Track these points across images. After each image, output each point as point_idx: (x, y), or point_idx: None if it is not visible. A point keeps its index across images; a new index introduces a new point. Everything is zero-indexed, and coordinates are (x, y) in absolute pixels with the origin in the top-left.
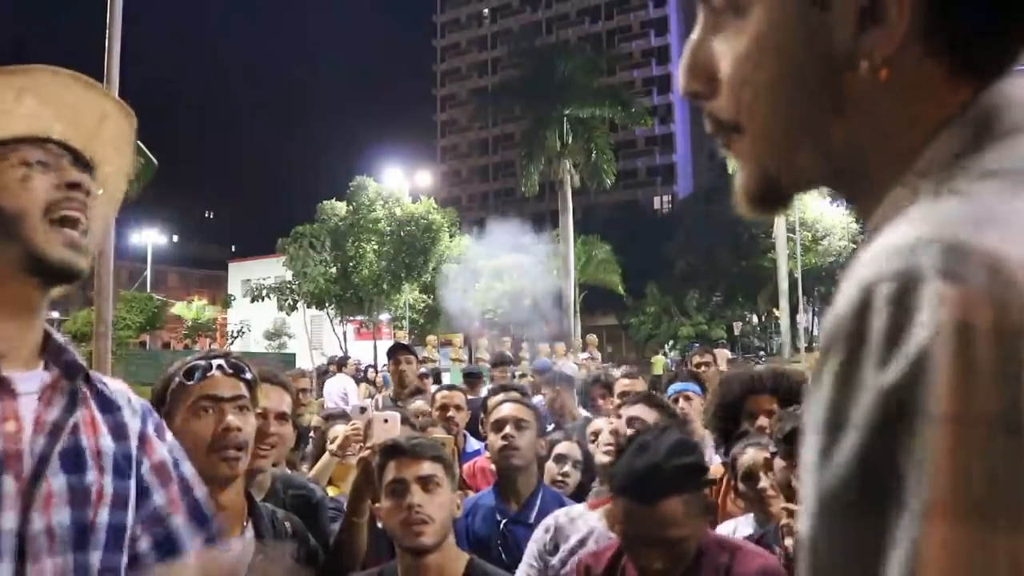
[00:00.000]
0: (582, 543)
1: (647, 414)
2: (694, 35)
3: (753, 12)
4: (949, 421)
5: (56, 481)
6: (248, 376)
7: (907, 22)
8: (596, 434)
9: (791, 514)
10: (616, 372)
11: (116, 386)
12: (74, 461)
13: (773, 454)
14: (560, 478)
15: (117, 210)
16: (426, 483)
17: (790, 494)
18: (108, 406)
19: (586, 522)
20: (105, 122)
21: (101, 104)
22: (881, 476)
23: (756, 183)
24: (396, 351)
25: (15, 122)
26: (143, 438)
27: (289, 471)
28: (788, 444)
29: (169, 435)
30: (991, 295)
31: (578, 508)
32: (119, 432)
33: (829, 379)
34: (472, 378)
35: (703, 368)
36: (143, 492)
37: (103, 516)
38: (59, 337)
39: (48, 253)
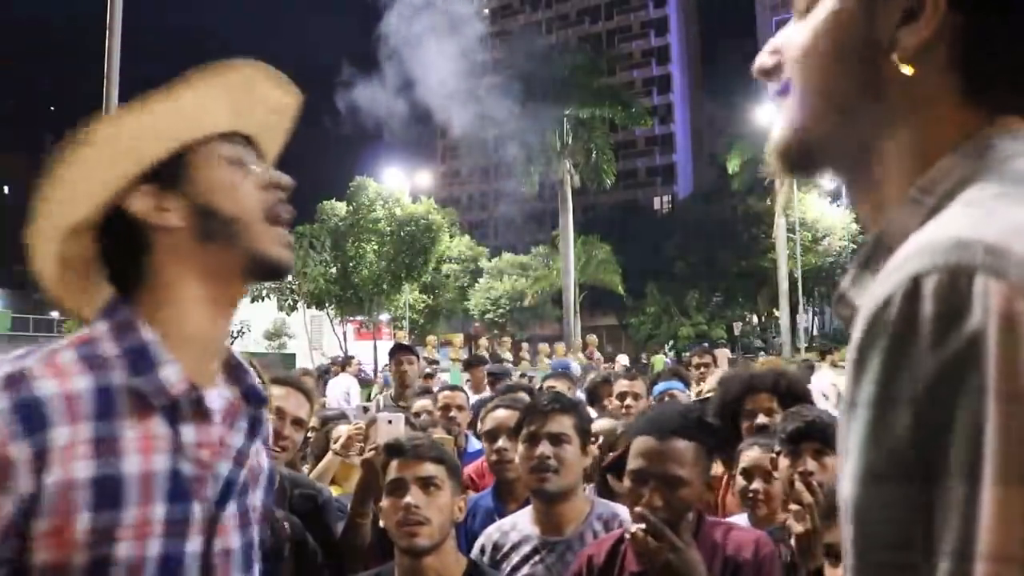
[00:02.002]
0: (515, 548)
1: None
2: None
3: (823, 3)
4: (1004, 395)
5: (231, 505)
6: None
7: (938, 21)
8: (595, 436)
9: (797, 516)
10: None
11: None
12: (245, 486)
13: (777, 452)
14: None
15: None
16: (425, 484)
17: (792, 493)
18: (266, 422)
19: (519, 531)
20: (280, 115)
21: (282, 98)
22: (937, 443)
23: (791, 139)
24: (397, 351)
25: (218, 117)
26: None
27: (291, 471)
28: (793, 443)
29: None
30: None
31: (508, 520)
32: (266, 447)
33: (881, 358)
34: (493, 377)
35: (702, 369)
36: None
37: (259, 534)
38: (236, 352)
39: (272, 255)
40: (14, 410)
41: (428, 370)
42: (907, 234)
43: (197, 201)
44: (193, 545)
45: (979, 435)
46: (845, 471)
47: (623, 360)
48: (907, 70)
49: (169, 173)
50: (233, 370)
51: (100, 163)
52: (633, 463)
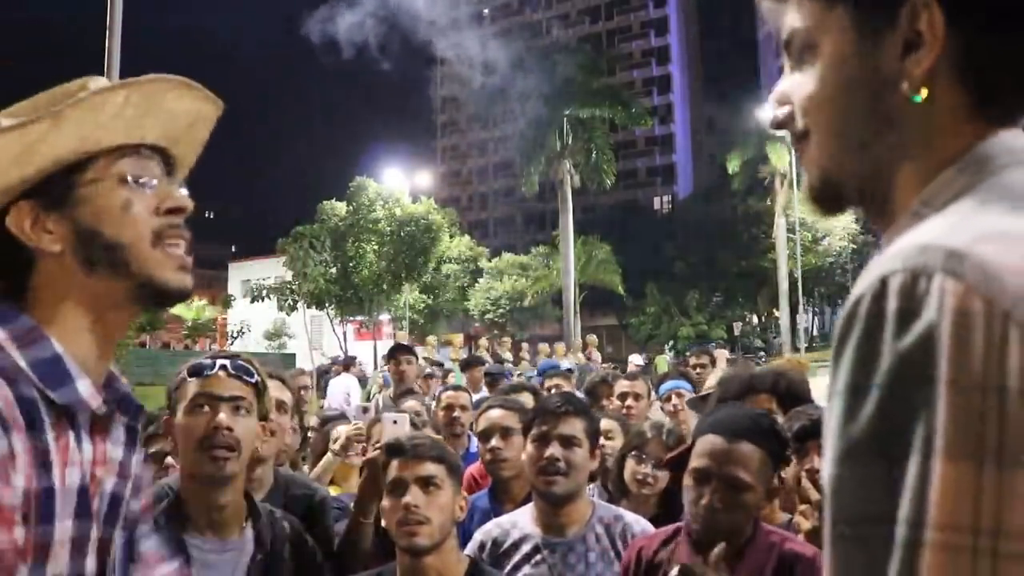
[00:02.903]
0: (516, 547)
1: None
2: (780, 81)
3: (822, 47)
4: (954, 384)
5: (120, 519)
6: (253, 379)
7: (939, 49)
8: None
9: (805, 513)
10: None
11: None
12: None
13: None
14: None
15: None
16: (425, 484)
17: (799, 491)
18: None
19: (520, 529)
20: (196, 124)
21: (198, 107)
22: (897, 426)
23: (818, 182)
24: (396, 351)
25: (112, 132)
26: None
27: (292, 471)
28: (799, 441)
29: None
30: (982, 289)
31: (508, 518)
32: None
33: (851, 350)
34: (490, 377)
35: (699, 370)
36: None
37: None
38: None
39: (163, 281)
40: None
41: (428, 371)
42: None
43: (81, 224)
44: (90, 564)
45: (931, 419)
46: (826, 454)
47: (636, 360)
48: (921, 95)
49: (54, 192)
50: (106, 379)
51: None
52: (697, 461)
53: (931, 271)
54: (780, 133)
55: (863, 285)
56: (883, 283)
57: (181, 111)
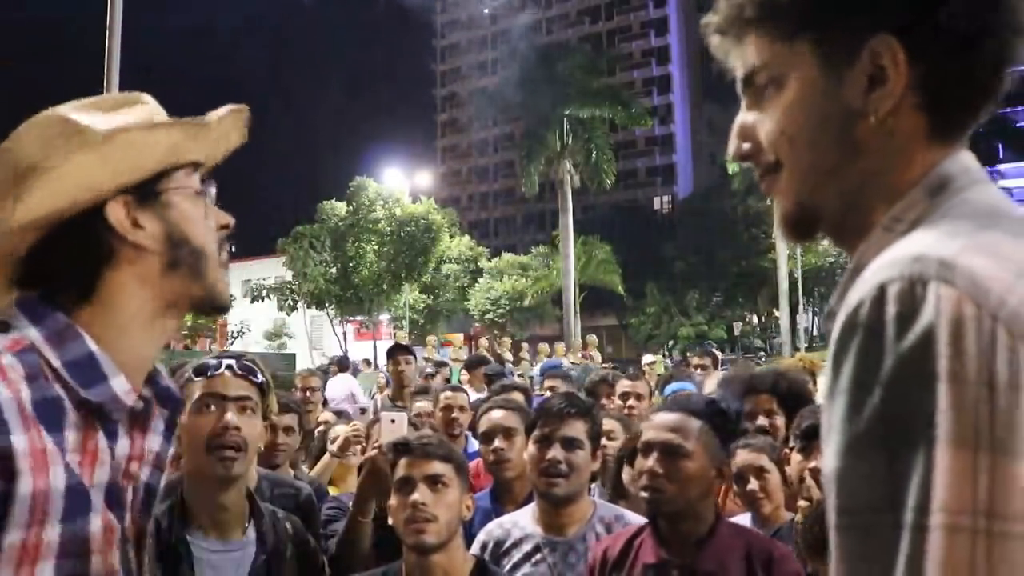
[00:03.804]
0: (516, 546)
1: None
2: (739, 116)
3: (788, 82)
4: (952, 377)
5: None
6: (259, 379)
7: (902, 88)
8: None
9: (806, 511)
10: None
11: None
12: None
13: (791, 448)
14: None
15: None
16: (433, 482)
17: (803, 489)
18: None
19: (521, 529)
20: (228, 140)
21: (241, 135)
22: (899, 419)
23: (792, 211)
24: (395, 351)
25: (198, 150)
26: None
27: (269, 471)
28: (806, 440)
29: None
30: (972, 295)
31: (509, 518)
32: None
33: (855, 351)
34: (490, 378)
35: (701, 371)
36: None
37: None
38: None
39: (222, 294)
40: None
41: (429, 370)
42: (880, 255)
43: (172, 226)
44: (128, 554)
45: (932, 411)
46: (828, 449)
47: (649, 359)
48: (887, 125)
49: (150, 191)
50: (149, 374)
51: (98, 161)
52: (643, 436)
53: (927, 279)
54: (744, 166)
55: (861, 292)
56: (882, 290)
57: (232, 139)
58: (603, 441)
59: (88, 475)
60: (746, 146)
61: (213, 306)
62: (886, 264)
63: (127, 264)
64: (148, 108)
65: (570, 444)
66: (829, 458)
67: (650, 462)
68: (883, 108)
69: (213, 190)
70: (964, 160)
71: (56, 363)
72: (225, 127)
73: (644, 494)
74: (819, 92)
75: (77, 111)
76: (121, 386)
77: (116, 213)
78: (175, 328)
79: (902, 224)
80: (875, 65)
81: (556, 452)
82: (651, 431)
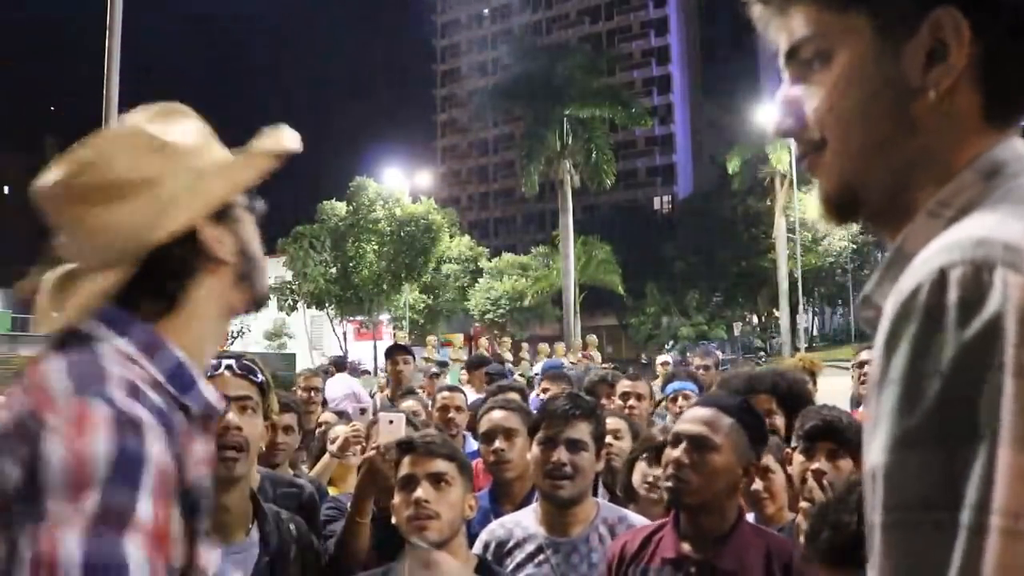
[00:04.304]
0: (519, 546)
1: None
2: (782, 88)
3: (838, 56)
4: (1019, 372)
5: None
6: (259, 379)
7: (963, 65)
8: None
9: (806, 512)
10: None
11: None
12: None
13: (793, 448)
14: None
15: None
16: (436, 480)
17: (803, 490)
18: None
19: (524, 529)
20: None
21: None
22: (959, 413)
23: (836, 191)
24: (393, 352)
25: (253, 172)
26: None
27: (269, 470)
28: (809, 440)
29: None
30: None
31: (511, 518)
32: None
33: (911, 339)
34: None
35: (703, 371)
36: None
37: None
38: None
39: (267, 297)
40: (154, 421)
41: (434, 370)
42: (928, 241)
43: (243, 241)
44: (199, 556)
45: (997, 405)
46: (874, 442)
47: (663, 359)
48: (943, 103)
49: (225, 210)
50: None
51: (213, 179)
52: (673, 428)
53: (992, 264)
54: (786, 141)
55: (917, 276)
56: (943, 274)
57: (271, 163)
58: (608, 440)
59: (195, 480)
60: (789, 121)
61: (259, 307)
62: (945, 247)
63: (208, 276)
64: (201, 126)
65: (575, 446)
66: (876, 452)
67: (678, 452)
68: (943, 84)
69: (258, 203)
70: (1017, 147)
71: (157, 374)
72: (265, 148)
73: (668, 483)
74: (872, 66)
75: (167, 130)
76: (211, 391)
77: (209, 231)
78: (227, 332)
79: (950, 210)
80: (935, 39)
81: (561, 454)
82: (683, 423)
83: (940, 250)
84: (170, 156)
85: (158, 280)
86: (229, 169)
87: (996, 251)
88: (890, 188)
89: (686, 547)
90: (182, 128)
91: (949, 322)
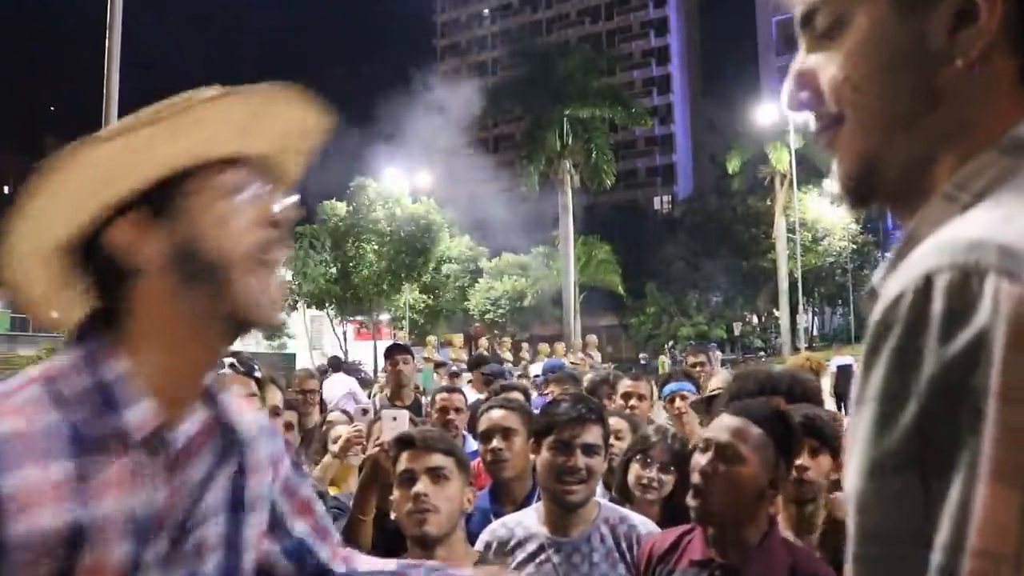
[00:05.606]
0: (520, 546)
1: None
2: (797, 60)
3: (854, 21)
4: (1006, 397)
5: (191, 539)
6: (258, 374)
7: (997, 24)
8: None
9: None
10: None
11: (248, 416)
12: (203, 516)
13: None
14: None
15: None
16: (435, 474)
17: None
18: (243, 446)
19: (525, 528)
20: (301, 137)
21: (306, 117)
22: (937, 440)
23: (855, 170)
24: (393, 351)
25: (221, 143)
26: (275, 464)
27: None
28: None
29: (288, 455)
30: None
31: (513, 517)
32: (249, 474)
33: (889, 354)
34: (488, 376)
35: (697, 368)
36: (273, 506)
37: (247, 560)
38: (210, 378)
39: (254, 311)
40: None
41: (454, 369)
42: (941, 228)
43: (183, 237)
44: None
45: (978, 434)
46: (851, 464)
47: (694, 359)
48: (974, 69)
49: (159, 201)
50: (206, 394)
51: (82, 185)
52: (703, 435)
53: (984, 270)
54: (800, 117)
55: (902, 282)
56: (928, 281)
57: (291, 123)
58: (611, 441)
59: (110, 502)
60: (803, 95)
61: (244, 324)
62: (934, 249)
63: (143, 284)
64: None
65: (590, 450)
66: (851, 477)
67: (704, 461)
68: (974, 49)
69: (259, 185)
70: None
71: (81, 388)
72: (253, 109)
73: (692, 502)
74: (893, 31)
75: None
76: (134, 416)
77: (115, 234)
78: (222, 347)
79: (966, 193)
80: None
81: (578, 459)
82: (711, 431)
83: (929, 252)
84: (75, 167)
85: (99, 289)
86: (132, 152)
87: (990, 256)
88: (911, 166)
89: (714, 551)
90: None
91: (931, 337)
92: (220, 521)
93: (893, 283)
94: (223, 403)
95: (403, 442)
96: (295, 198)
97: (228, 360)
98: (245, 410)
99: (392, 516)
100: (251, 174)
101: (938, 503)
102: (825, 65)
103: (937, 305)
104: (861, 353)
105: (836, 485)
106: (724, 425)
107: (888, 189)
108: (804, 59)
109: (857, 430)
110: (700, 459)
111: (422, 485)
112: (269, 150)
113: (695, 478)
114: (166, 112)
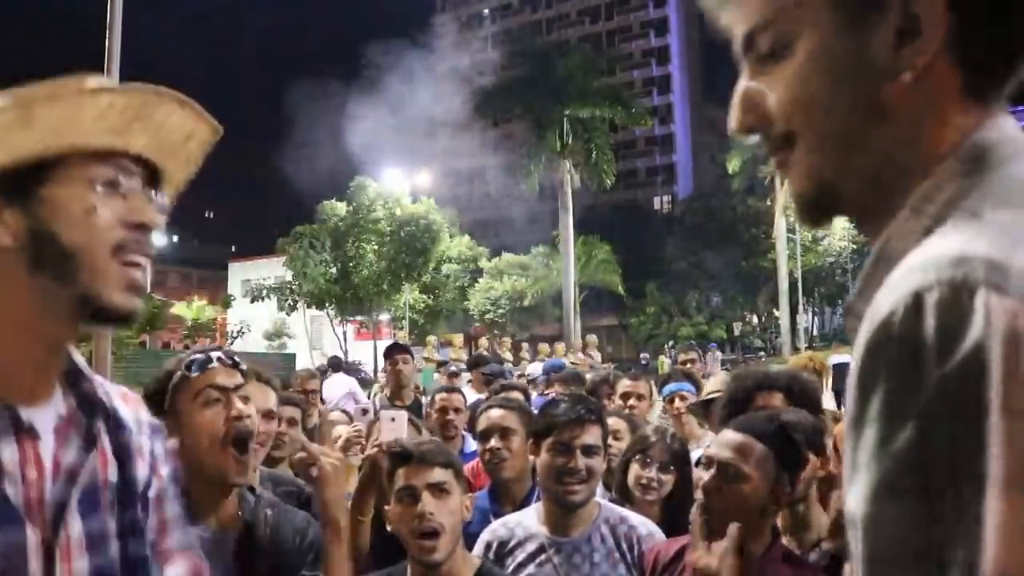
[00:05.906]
0: (520, 546)
1: None
2: (741, 82)
3: (799, 42)
4: (1008, 410)
5: (75, 527)
6: (244, 368)
7: (940, 38)
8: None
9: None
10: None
11: (126, 405)
12: (90, 503)
13: None
14: None
15: None
16: (437, 490)
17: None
18: (119, 430)
19: (525, 528)
20: (190, 141)
21: (191, 125)
22: (941, 457)
23: (809, 190)
24: (393, 351)
25: (92, 135)
26: (154, 459)
27: (271, 470)
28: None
29: (171, 462)
30: None
31: (513, 517)
32: (129, 458)
33: (886, 374)
34: (488, 376)
35: (688, 366)
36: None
37: (121, 552)
38: (79, 360)
39: (107, 299)
40: None
41: (453, 368)
42: (908, 246)
43: (38, 222)
44: (33, 572)
45: (983, 449)
46: (853, 488)
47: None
48: (918, 84)
49: (16, 185)
50: (70, 377)
51: None
52: (706, 451)
53: (973, 285)
54: (750, 139)
55: (892, 299)
56: (918, 298)
57: (172, 125)
58: (609, 441)
59: None
60: (750, 118)
61: (97, 315)
62: (920, 266)
63: None
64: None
65: (590, 451)
66: (854, 500)
67: (706, 477)
68: (918, 64)
69: (133, 183)
70: (1006, 127)
71: None
72: (133, 108)
73: (696, 507)
74: (839, 50)
75: None
76: None
77: None
78: (67, 334)
79: (932, 206)
80: (907, 14)
81: (579, 460)
82: (714, 447)
83: (914, 269)
84: None
85: None
86: None
87: (977, 270)
88: (867, 184)
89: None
90: None
91: (926, 355)
92: (108, 508)
93: (883, 300)
94: (93, 387)
95: (400, 456)
96: (167, 202)
97: (215, 354)
98: (132, 403)
99: (388, 528)
100: (124, 172)
101: (948, 522)
102: (771, 86)
103: (930, 322)
104: (851, 373)
105: (825, 482)
106: (726, 441)
107: (850, 204)
108: (748, 82)
109: (858, 454)
110: (703, 475)
111: (426, 504)
112: (147, 151)
113: (698, 495)
114: (31, 98)
